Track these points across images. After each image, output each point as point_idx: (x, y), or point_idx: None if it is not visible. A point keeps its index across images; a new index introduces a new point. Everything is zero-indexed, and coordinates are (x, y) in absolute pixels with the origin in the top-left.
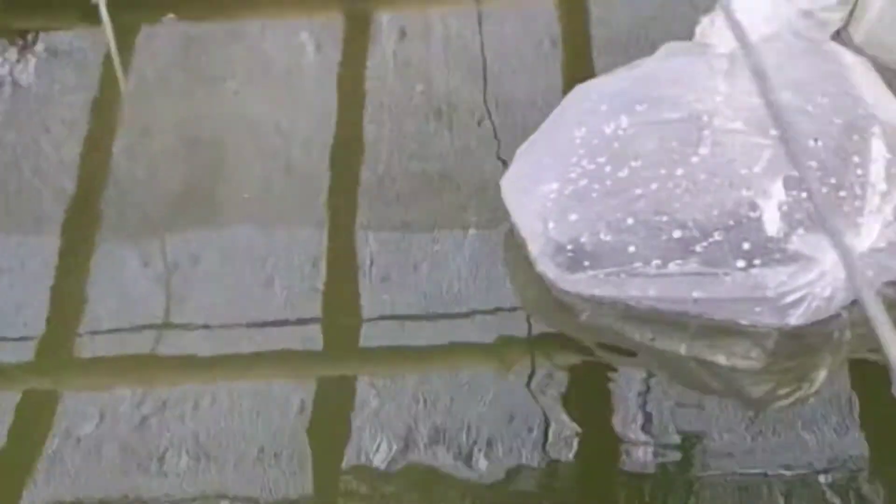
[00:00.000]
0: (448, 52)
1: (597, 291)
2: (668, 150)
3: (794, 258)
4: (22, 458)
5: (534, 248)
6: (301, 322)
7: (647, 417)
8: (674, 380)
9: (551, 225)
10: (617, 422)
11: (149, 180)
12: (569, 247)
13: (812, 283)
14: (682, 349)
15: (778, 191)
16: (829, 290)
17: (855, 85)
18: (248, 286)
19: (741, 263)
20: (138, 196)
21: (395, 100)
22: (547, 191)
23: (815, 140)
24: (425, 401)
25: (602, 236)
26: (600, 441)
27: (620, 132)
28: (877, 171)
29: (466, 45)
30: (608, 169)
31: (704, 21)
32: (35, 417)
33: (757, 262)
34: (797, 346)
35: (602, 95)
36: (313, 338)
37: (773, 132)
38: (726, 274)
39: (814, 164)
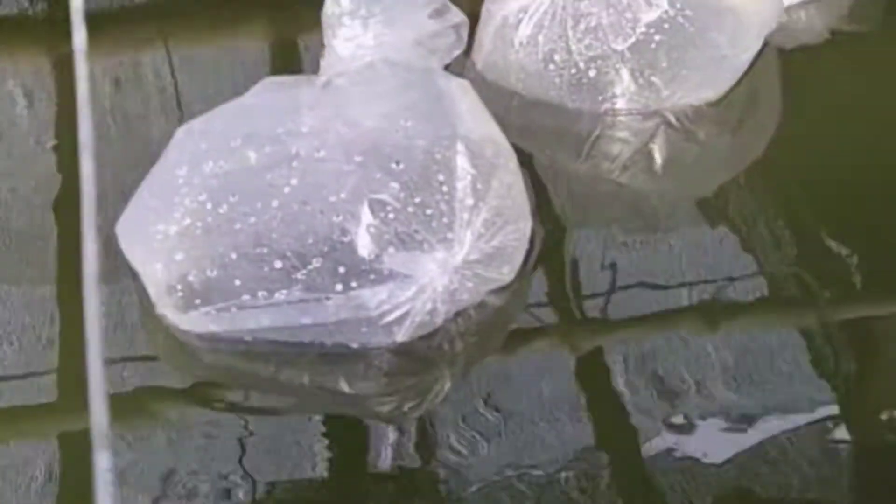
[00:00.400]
0: (164, 98)
1: (212, 327)
2: (262, 183)
3: (390, 277)
4: None
5: (151, 292)
6: (36, 375)
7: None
8: (305, 412)
9: (159, 266)
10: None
11: None
12: (178, 286)
13: (411, 299)
14: (306, 379)
15: (365, 214)
16: (429, 304)
17: (446, 107)
18: None
19: (339, 287)
20: None
21: (114, 150)
22: (154, 232)
23: (398, 163)
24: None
25: (208, 273)
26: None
27: (218, 169)
28: (462, 188)
29: (175, 91)
30: (209, 206)
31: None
32: None
33: (354, 283)
34: (411, 363)
35: (202, 134)
36: (49, 390)
37: (358, 158)
38: (328, 298)
39: (397, 185)
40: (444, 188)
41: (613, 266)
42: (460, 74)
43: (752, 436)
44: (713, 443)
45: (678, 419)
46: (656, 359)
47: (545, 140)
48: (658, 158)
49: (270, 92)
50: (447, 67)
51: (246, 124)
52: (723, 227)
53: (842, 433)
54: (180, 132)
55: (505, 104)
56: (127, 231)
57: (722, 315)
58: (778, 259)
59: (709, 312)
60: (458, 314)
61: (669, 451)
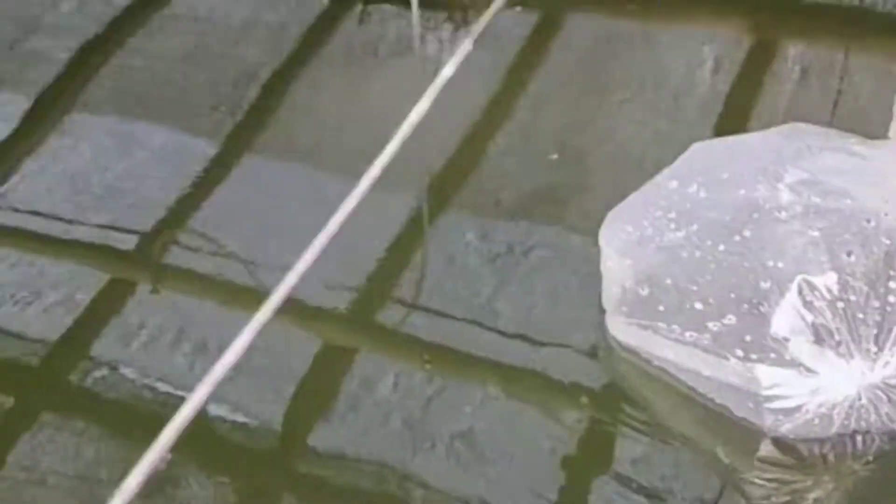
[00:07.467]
0: None
1: (627, 339)
2: (721, 223)
3: (792, 364)
4: None
5: (604, 283)
6: None
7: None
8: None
9: (609, 263)
10: None
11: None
12: (614, 288)
13: (807, 395)
14: (686, 430)
15: (791, 293)
16: (825, 409)
17: None
18: None
19: (740, 353)
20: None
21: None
22: (620, 228)
23: (849, 254)
24: None
25: (641, 289)
26: None
27: (696, 194)
28: None
29: None
30: (672, 226)
31: None
32: None
33: (754, 356)
34: (790, 460)
35: (706, 155)
36: None
37: (814, 233)
38: (727, 358)
39: (835, 276)
40: (890, 298)
41: None
42: None
43: None
44: None
45: None
46: None
47: None
48: None
49: (781, 136)
50: None
51: (741, 162)
52: None
53: None
54: (696, 146)
55: None
56: (612, 216)
57: None
58: None
59: None
60: (857, 433)
61: None
